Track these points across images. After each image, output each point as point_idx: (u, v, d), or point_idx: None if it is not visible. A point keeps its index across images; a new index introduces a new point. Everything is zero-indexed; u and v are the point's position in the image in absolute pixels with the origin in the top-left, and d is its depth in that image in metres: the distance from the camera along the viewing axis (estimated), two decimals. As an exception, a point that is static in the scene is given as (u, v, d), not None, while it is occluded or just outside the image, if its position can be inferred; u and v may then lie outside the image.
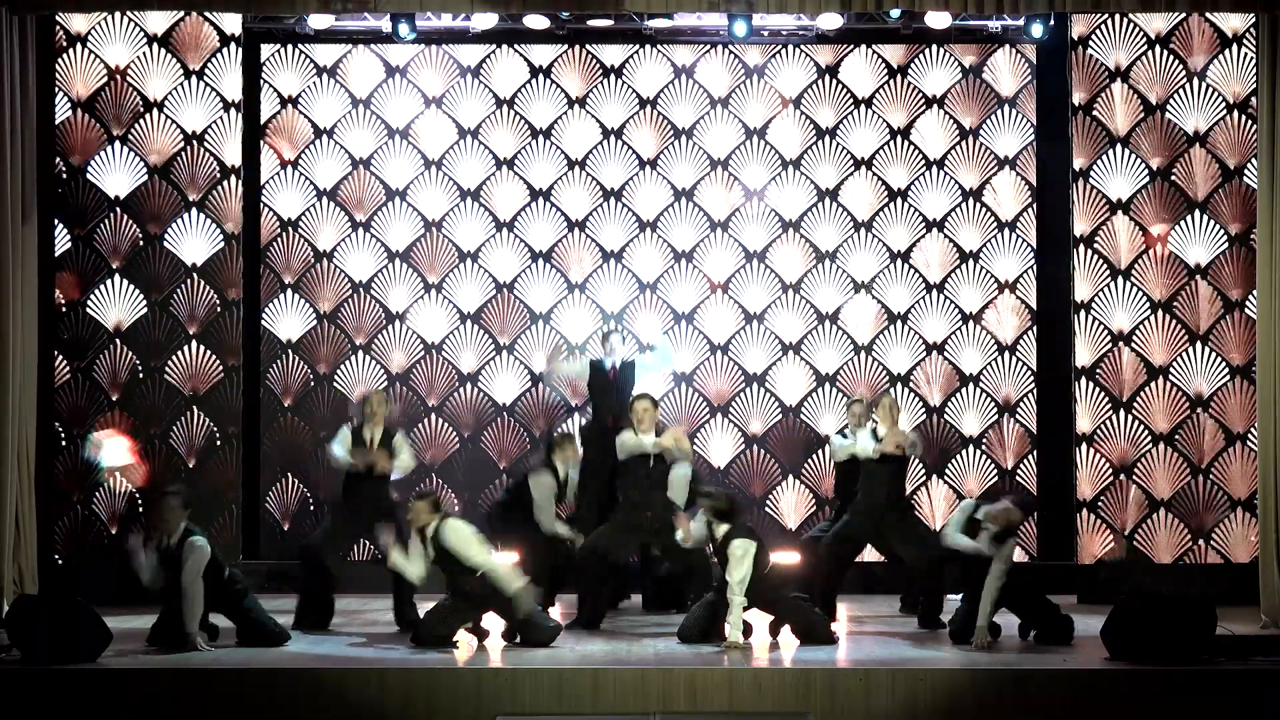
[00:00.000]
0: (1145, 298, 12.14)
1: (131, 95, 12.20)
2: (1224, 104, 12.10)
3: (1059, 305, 12.41)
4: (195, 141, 12.24)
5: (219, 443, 12.19)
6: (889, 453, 10.53)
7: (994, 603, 9.61)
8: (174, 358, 12.18)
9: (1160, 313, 12.14)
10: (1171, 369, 12.13)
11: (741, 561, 9.58)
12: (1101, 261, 12.15)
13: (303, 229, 12.71)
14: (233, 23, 12.25)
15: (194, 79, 12.25)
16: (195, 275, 12.23)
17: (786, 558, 11.18)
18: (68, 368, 12.10)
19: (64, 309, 12.10)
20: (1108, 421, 12.14)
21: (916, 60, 12.69)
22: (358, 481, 10.58)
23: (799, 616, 9.82)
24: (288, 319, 12.67)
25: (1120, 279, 12.15)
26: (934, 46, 12.66)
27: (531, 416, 12.64)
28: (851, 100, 12.72)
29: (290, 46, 12.69)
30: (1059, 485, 12.38)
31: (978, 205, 12.67)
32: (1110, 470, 12.13)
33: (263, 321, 12.64)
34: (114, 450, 12.06)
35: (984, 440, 12.60)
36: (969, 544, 9.80)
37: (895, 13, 11.79)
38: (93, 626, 9.17)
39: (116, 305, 12.17)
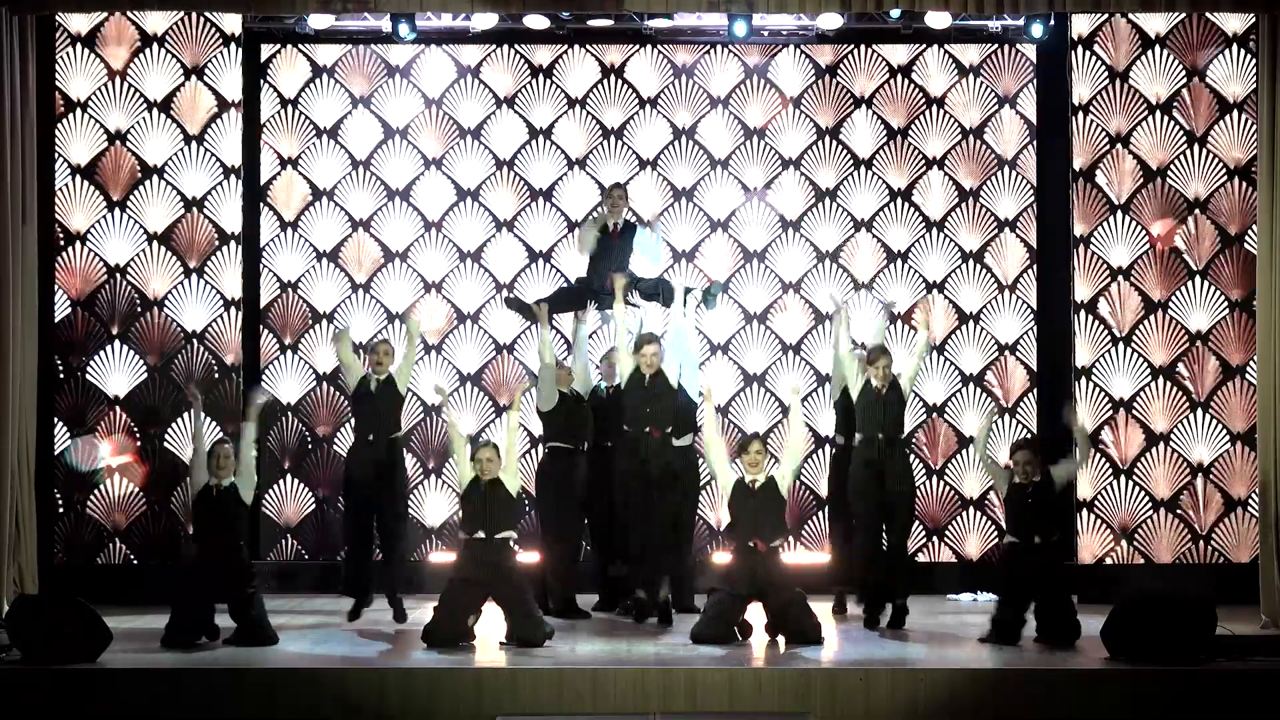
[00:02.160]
0: (1145, 299, 12.13)
1: (131, 94, 12.20)
2: (1224, 104, 12.09)
3: (1059, 305, 12.41)
4: (194, 142, 12.24)
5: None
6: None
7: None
8: (174, 360, 12.18)
9: (1160, 313, 12.13)
10: (1173, 372, 12.11)
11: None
12: (1101, 261, 12.15)
13: (301, 230, 12.72)
14: (233, 23, 12.24)
15: (193, 79, 12.24)
16: (194, 275, 12.23)
17: (793, 557, 11.18)
18: (68, 366, 12.09)
19: (69, 305, 12.10)
20: (1108, 419, 12.13)
21: (917, 60, 12.70)
22: (371, 406, 10.75)
23: (793, 615, 9.80)
24: (284, 319, 12.69)
25: (1121, 279, 12.14)
26: (934, 46, 12.66)
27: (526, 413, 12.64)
28: (851, 100, 12.72)
29: (290, 46, 12.70)
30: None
31: (978, 206, 12.67)
32: (1110, 470, 12.12)
33: (262, 327, 12.67)
34: (108, 451, 12.05)
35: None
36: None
37: (895, 13, 11.78)
38: (93, 626, 9.17)
39: (117, 308, 12.18)
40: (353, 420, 11.16)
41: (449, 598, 9.80)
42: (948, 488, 12.59)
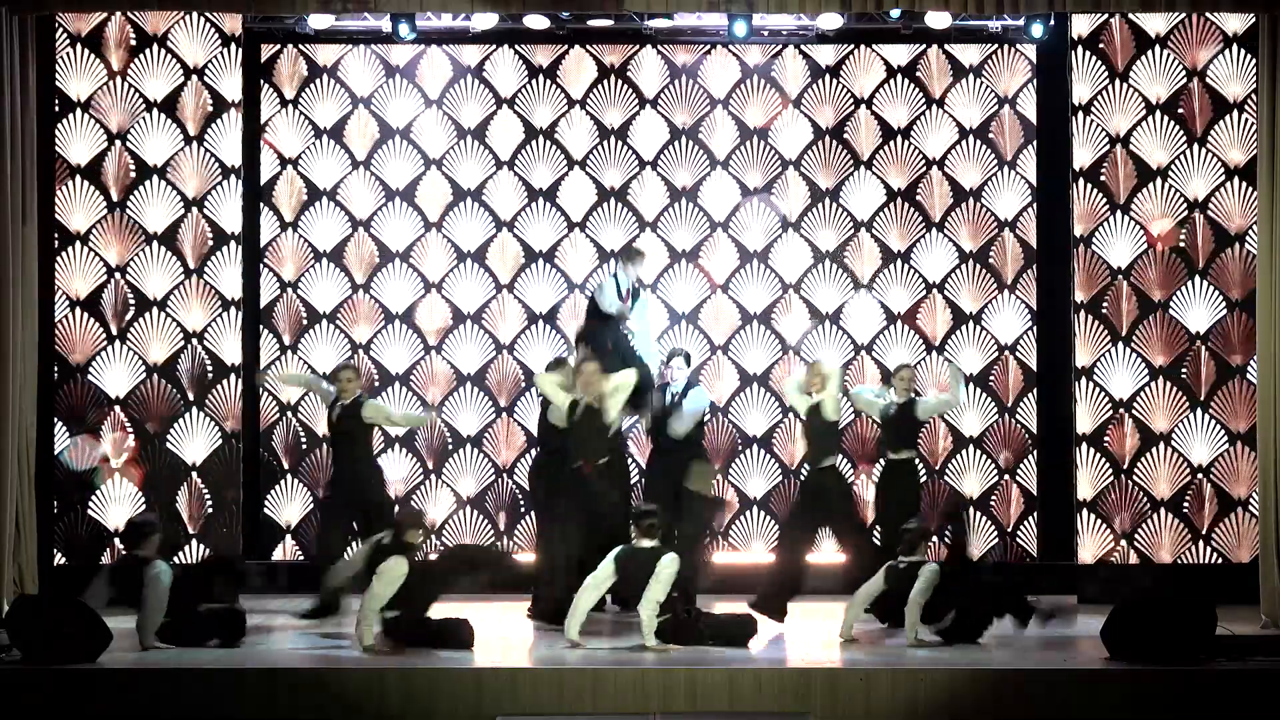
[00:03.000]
0: (1144, 299, 12.12)
1: (131, 94, 12.18)
2: (1224, 104, 12.08)
3: (1059, 305, 12.41)
4: (195, 143, 12.22)
5: (219, 444, 12.17)
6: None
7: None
8: (175, 361, 12.17)
9: (1160, 313, 12.11)
10: (1173, 372, 12.09)
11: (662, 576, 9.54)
12: (1101, 261, 12.14)
13: (301, 230, 12.73)
14: (233, 23, 12.23)
15: (193, 79, 12.22)
16: (194, 276, 12.22)
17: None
18: (68, 366, 12.08)
19: (69, 305, 12.08)
20: (1108, 422, 12.11)
21: (917, 60, 12.69)
22: (338, 455, 10.76)
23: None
24: (284, 319, 12.71)
25: (1121, 279, 12.13)
26: (934, 46, 12.66)
27: (526, 413, 12.65)
28: (852, 100, 12.72)
29: (290, 46, 12.70)
30: (1059, 485, 12.37)
31: (978, 206, 12.67)
32: (1111, 470, 12.11)
33: (262, 327, 12.68)
34: (108, 451, 12.04)
35: (984, 441, 12.61)
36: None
37: (895, 13, 11.78)
38: (93, 626, 9.17)
39: (113, 308, 12.17)
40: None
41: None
42: (948, 488, 12.58)
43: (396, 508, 10.26)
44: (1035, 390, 12.64)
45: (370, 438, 11.11)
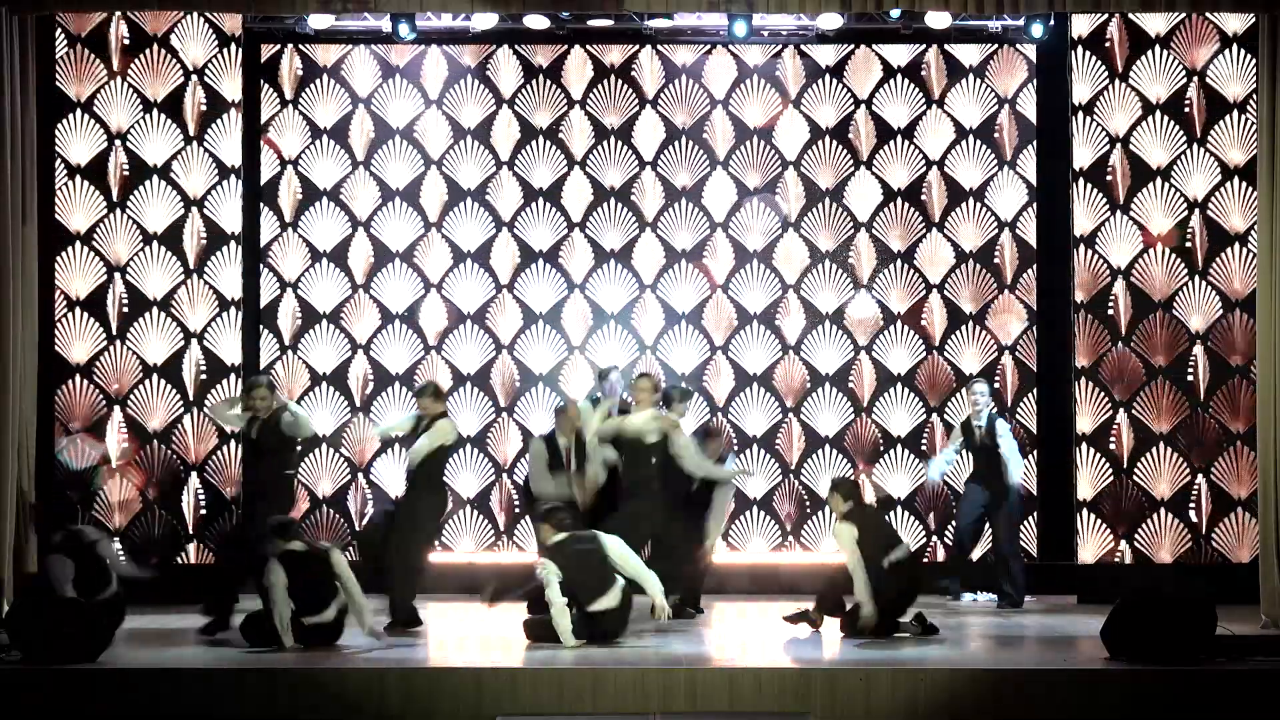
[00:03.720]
0: (1145, 297, 12.13)
1: (131, 94, 12.18)
2: (1224, 104, 12.09)
3: (1059, 305, 12.41)
4: (194, 142, 12.22)
5: (218, 442, 12.18)
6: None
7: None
8: (178, 362, 12.18)
9: (1160, 313, 12.12)
10: (1173, 372, 12.10)
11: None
12: (1101, 261, 12.15)
13: (301, 230, 12.74)
14: (233, 23, 12.23)
15: (193, 79, 12.23)
16: (194, 275, 12.22)
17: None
18: (68, 368, 12.09)
19: (68, 305, 12.09)
20: (1108, 421, 12.12)
21: (919, 60, 12.69)
22: (259, 471, 10.65)
23: None
24: (284, 319, 12.71)
25: (1120, 279, 12.14)
26: (934, 46, 12.66)
27: (526, 413, 12.67)
28: (852, 100, 12.73)
29: (290, 46, 12.70)
30: (1059, 485, 12.37)
31: (978, 206, 12.68)
32: (1110, 470, 12.11)
33: (262, 327, 12.68)
34: (107, 452, 12.04)
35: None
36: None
37: (895, 13, 11.78)
38: (93, 626, 9.17)
39: (113, 308, 12.18)
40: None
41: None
42: (946, 489, 12.57)
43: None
44: (1035, 390, 12.64)
45: (290, 453, 10.76)
